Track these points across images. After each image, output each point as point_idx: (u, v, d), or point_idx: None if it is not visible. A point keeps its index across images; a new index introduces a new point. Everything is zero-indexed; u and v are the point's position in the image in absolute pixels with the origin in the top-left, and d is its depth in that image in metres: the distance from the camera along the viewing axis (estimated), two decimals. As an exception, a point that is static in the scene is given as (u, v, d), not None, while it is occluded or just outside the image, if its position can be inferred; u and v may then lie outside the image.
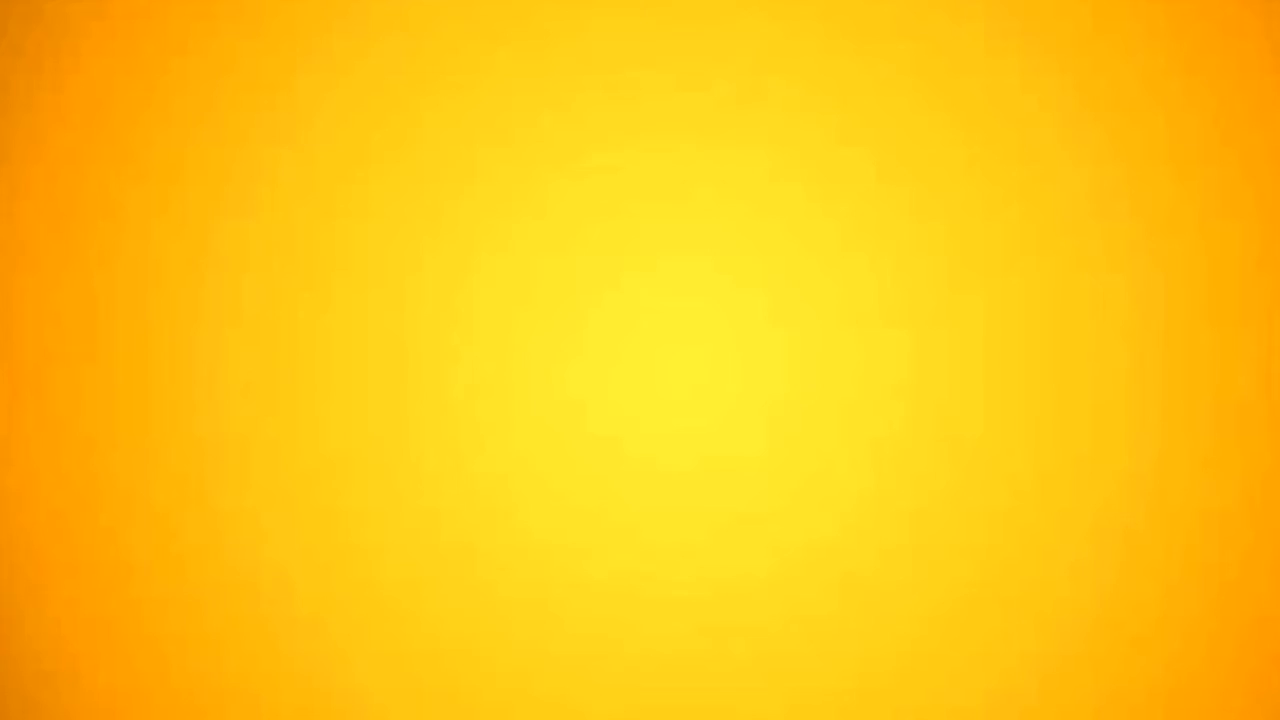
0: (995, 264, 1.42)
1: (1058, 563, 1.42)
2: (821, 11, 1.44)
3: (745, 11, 1.45)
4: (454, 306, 1.29)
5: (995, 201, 1.42)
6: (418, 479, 1.39)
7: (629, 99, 1.37)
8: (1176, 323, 1.41)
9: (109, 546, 1.48)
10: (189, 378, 1.47)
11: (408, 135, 1.46)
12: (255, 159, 1.47)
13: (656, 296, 1.24)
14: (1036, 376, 1.42)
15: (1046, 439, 1.42)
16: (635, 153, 1.26)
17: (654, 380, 1.22)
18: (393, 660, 1.46)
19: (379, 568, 1.46)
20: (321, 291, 1.47)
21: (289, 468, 1.46)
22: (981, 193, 1.42)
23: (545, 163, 1.28)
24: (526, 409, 1.22)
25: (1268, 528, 1.40)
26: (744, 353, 1.23)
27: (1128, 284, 1.41)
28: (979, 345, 1.43)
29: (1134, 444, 1.41)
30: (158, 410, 1.47)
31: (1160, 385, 1.41)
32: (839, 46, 1.43)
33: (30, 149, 1.48)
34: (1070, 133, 1.41)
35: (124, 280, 1.47)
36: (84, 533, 1.48)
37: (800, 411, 1.23)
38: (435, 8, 1.47)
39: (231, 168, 1.47)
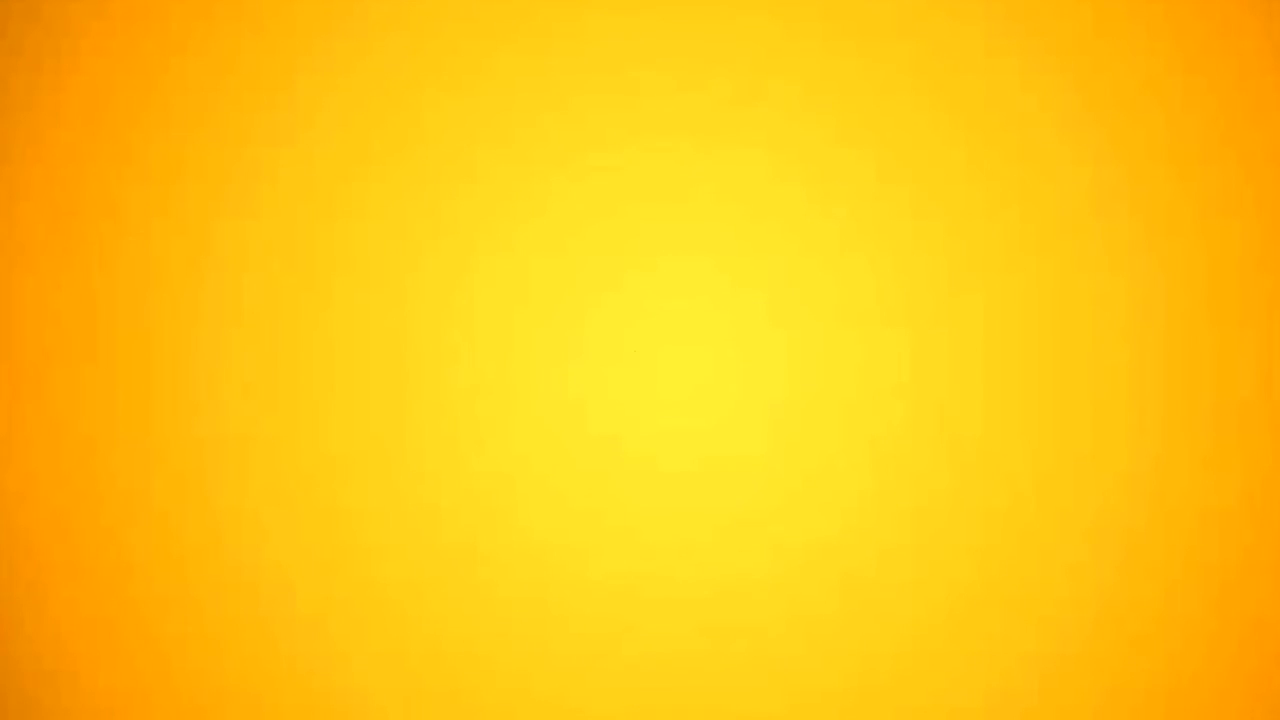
0: (995, 264, 1.42)
1: (1058, 563, 1.41)
2: (821, 11, 1.44)
3: (745, 11, 1.45)
4: (454, 306, 1.29)
5: (995, 201, 1.42)
6: (418, 479, 1.39)
7: (629, 99, 1.37)
8: (1176, 323, 1.41)
9: (109, 546, 1.48)
10: (189, 378, 1.47)
11: (408, 135, 1.46)
12: (255, 159, 1.47)
13: (656, 297, 1.24)
14: (1036, 376, 1.42)
15: (1046, 439, 1.41)
16: (635, 153, 1.26)
17: (654, 380, 1.22)
18: (393, 660, 1.46)
19: (379, 568, 1.46)
20: (321, 291, 1.47)
21: (289, 468, 1.46)
22: (981, 193, 1.42)
23: (545, 163, 1.28)
24: (527, 409, 1.22)
25: (1268, 528, 1.40)
26: (744, 353, 1.23)
27: (1128, 284, 1.41)
28: (979, 345, 1.43)
29: (1134, 444, 1.41)
30: (158, 410, 1.47)
31: (1160, 385, 1.41)
32: (839, 46, 1.43)
33: (30, 149, 1.48)
34: (1070, 133, 1.41)
35: (124, 280, 1.47)
36: (84, 533, 1.48)
37: (800, 411, 1.23)
38: (435, 8, 1.46)
39: (231, 168, 1.47)
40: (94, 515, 1.47)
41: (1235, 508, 1.40)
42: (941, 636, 1.43)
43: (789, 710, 1.44)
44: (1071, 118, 1.41)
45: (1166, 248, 1.41)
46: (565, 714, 1.45)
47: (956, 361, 1.43)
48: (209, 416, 1.47)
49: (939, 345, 1.43)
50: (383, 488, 1.39)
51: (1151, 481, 1.41)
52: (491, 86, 1.46)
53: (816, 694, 1.44)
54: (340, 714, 1.47)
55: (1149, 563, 1.41)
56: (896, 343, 1.28)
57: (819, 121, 1.43)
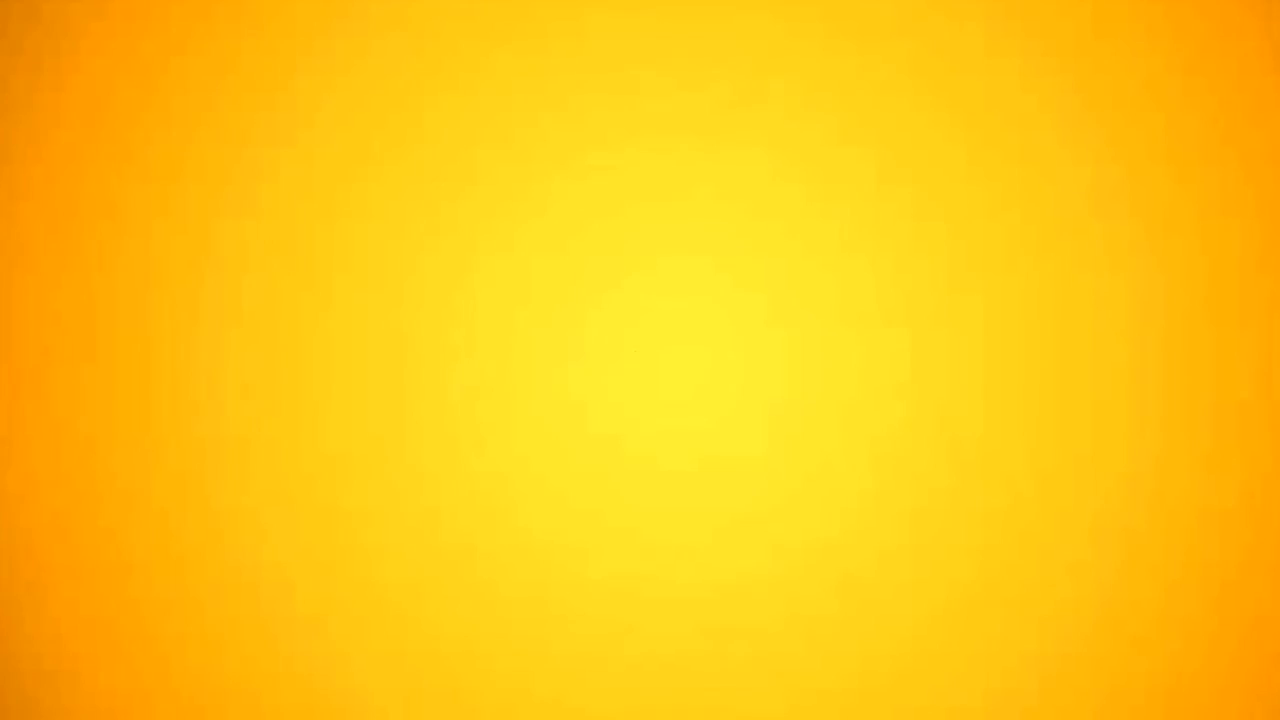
0: (995, 264, 1.42)
1: (1058, 563, 1.42)
2: (821, 11, 1.44)
3: (745, 11, 1.45)
4: (454, 307, 1.29)
5: (995, 201, 1.42)
6: (418, 479, 1.39)
7: (629, 99, 1.37)
8: (1176, 323, 1.41)
9: (109, 546, 1.48)
10: (189, 378, 1.47)
11: (408, 136, 1.46)
12: (255, 159, 1.47)
13: (656, 297, 1.24)
14: (1036, 376, 1.42)
15: (1046, 439, 1.42)
16: (635, 153, 1.26)
17: (654, 380, 1.22)
18: (393, 660, 1.46)
19: (379, 568, 1.46)
20: (321, 291, 1.47)
21: (289, 468, 1.46)
22: (981, 193, 1.42)
23: (545, 163, 1.28)
24: (527, 409, 1.22)
25: (1268, 528, 1.40)
26: (744, 353, 1.23)
27: (1128, 284, 1.41)
28: (979, 345, 1.43)
29: (1134, 444, 1.41)
30: (158, 410, 1.47)
31: (1160, 385, 1.41)
32: (839, 46, 1.43)
33: (30, 149, 1.48)
34: (1070, 133, 1.41)
35: (124, 280, 1.47)
36: (84, 533, 1.48)
37: (800, 411, 1.24)
38: (435, 8, 1.47)
39: (231, 168, 1.47)
40: (94, 515, 1.47)
41: (1235, 508, 1.40)
42: (941, 636, 1.43)
43: (789, 710, 1.44)
44: (1071, 118, 1.41)
45: (1166, 248, 1.41)
46: (565, 714, 1.45)
47: (956, 361, 1.43)
48: (209, 416, 1.47)
49: (939, 345, 1.43)
50: (383, 488, 1.39)
51: (1151, 481, 1.41)
52: (491, 86, 1.47)
53: (816, 694, 1.44)
54: (340, 714, 1.47)
55: (1148, 562, 1.41)
56: (896, 343, 1.28)
57: (819, 121, 1.43)
